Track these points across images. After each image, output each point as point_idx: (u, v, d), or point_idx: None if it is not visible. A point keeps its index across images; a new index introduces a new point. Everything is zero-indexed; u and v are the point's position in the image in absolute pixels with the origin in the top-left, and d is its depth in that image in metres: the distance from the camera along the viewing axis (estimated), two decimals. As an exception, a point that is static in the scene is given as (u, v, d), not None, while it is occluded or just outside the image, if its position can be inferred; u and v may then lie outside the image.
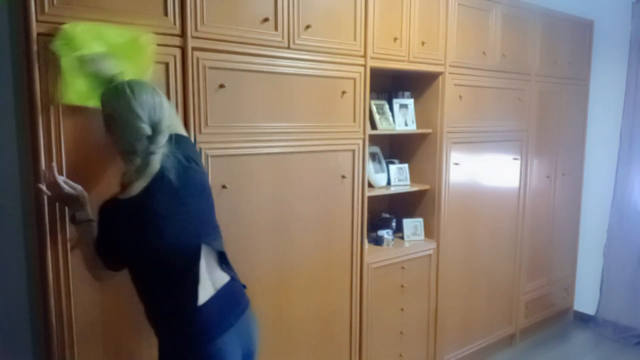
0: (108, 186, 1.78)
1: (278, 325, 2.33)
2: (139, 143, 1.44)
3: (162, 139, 1.47)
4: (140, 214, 1.46)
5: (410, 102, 2.95)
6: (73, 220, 1.63)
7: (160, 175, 1.49)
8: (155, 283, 1.53)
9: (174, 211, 1.50)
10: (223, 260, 1.64)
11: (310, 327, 2.45)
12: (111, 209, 1.48)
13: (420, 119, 2.99)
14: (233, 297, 1.63)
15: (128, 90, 1.44)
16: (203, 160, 2.00)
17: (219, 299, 1.57)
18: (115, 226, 1.49)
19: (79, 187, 1.63)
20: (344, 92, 2.42)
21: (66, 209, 1.67)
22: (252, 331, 1.68)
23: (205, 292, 1.54)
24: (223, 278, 1.61)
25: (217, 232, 1.67)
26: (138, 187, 1.46)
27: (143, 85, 1.49)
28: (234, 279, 1.66)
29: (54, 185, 1.58)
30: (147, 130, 1.43)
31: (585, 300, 4.14)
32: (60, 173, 1.67)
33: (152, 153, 1.45)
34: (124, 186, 1.49)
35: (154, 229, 1.47)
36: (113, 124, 1.47)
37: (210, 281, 1.57)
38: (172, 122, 1.54)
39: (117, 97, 1.45)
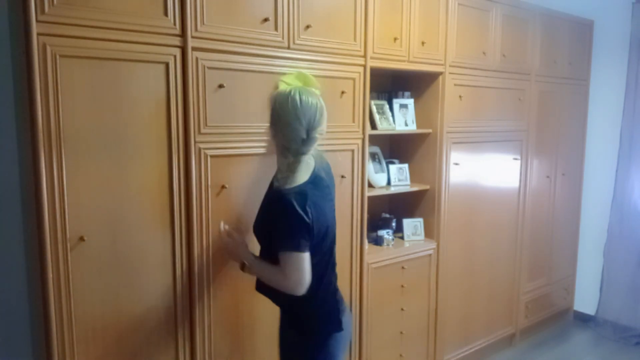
0: (108, 185, 1.79)
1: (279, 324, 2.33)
2: (294, 143, 1.67)
3: (314, 143, 1.70)
4: (317, 198, 1.70)
5: (410, 102, 2.96)
6: (243, 267, 1.84)
7: (317, 171, 1.76)
8: (315, 270, 1.71)
9: (326, 204, 1.77)
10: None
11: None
12: (300, 197, 1.64)
13: (420, 119, 2.99)
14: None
15: (297, 97, 1.66)
16: (202, 160, 2.00)
17: (337, 288, 1.89)
18: (305, 210, 1.64)
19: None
20: (343, 92, 2.42)
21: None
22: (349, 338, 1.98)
23: (336, 275, 1.87)
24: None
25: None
26: (299, 179, 1.68)
27: (310, 95, 1.70)
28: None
29: (231, 236, 1.89)
30: (303, 134, 1.66)
31: (585, 300, 4.14)
32: (60, 172, 1.68)
33: (303, 153, 1.68)
34: (283, 179, 1.69)
35: (326, 213, 1.74)
36: (276, 121, 1.69)
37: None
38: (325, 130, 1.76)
39: (286, 100, 1.66)
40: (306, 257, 1.64)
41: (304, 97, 1.67)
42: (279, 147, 1.72)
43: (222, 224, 1.94)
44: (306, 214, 1.62)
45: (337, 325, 1.80)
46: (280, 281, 1.70)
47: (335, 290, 1.86)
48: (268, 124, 1.75)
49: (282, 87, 1.73)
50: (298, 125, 1.65)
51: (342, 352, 1.86)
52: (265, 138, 1.88)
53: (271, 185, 1.84)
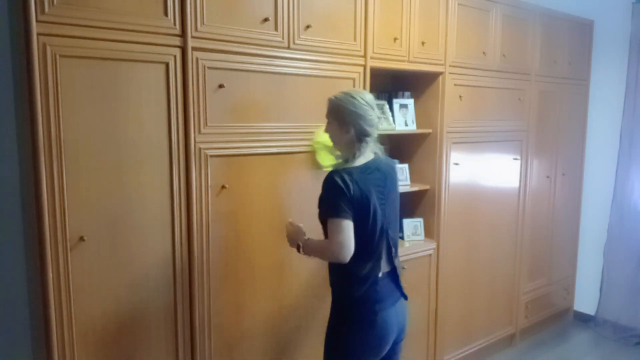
0: (108, 185, 1.79)
1: (278, 324, 2.33)
2: (372, 129, 1.87)
3: (376, 132, 1.91)
4: (362, 180, 1.82)
5: (410, 102, 2.95)
6: (299, 249, 1.91)
7: (371, 164, 1.90)
8: (357, 248, 1.77)
9: (373, 189, 1.85)
10: (391, 252, 1.94)
11: (310, 326, 2.45)
12: (344, 173, 1.79)
13: (420, 119, 2.99)
14: (393, 284, 1.95)
15: (359, 96, 1.88)
16: (202, 160, 2.00)
17: (386, 280, 1.92)
18: (350, 186, 1.77)
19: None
20: (343, 92, 2.42)
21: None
22: (404, 319, 1.99)
23: (381, 269, 1.89)
24: (389, 265, 1.94)
25: (396, 228, 2.02)
26: (351, 165, 1.84)
27: (367, 93, 1.93)
28: (395, 270, 1.97)
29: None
30: (375, 118, 1.88)
31: (585, 300, 4.14)
32: (60, 172, 1.68)
33: (366, 142, 1.88)
34: (338, 164, 1.90)
35: (369, 195, 1.81)
36: (352, 120, 1.84)
37: (384, 262, 1.91)
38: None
39: (352, 99, 1.86)
40: (348, 224, 1.75)
41: (366, 95, 1.90)
42: (346, 138, 1.87)
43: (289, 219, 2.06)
44: (347, 187, 1.76)
45: (367, 320, 1.84)
46: (326, 249, 1.80)
47: (375, 282, 1.87)
48: (334, 114, 1.88)
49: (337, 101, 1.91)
50: (370, 112, 1.86)
51: (372, 352, 1.88)
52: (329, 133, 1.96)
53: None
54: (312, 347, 2.48)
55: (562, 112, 3.78)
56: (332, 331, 1.93)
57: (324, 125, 1.98)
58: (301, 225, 1.95)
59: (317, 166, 2.25)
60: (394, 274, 1.96)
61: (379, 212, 1.86)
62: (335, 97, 1.90)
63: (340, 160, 1.93)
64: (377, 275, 1.88)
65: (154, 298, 1.95)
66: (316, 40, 2.28)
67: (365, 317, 1.84)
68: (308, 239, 1.91)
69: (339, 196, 1.75)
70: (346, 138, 1.87)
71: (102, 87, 1.75)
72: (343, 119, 1.86)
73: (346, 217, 1.75)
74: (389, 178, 1.96)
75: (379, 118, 1.92)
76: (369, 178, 1.85)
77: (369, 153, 1.92)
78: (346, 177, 1.77)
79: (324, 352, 1.96)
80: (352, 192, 1.76)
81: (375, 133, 1.91)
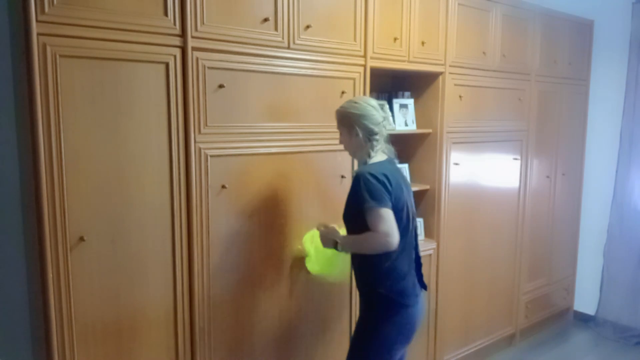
0: (108, 185, 1.79)
1: (278, 324, 2.33)
2: (378, 127, 1.95)
3: (385, 131, 1.99)
4: (391, 173, 1.92)
5: (410, 102, 2.95)
6: (336, 246, 1.98)
7: (391, 158, 2.03)
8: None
9: (403, 181, 1.98)
10: (417, 243, 2.07)
11: (310, 326, 2.45)
12: (375, 168, 1.89)
13: (420, 119, 2.99)
14: (418, 275, 2.06)
15: (362, 100, 1.99)
16: (202, 160, 2.00)
17: (412, 276, 2.00)
18: (386, 180, 1.87)
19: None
20: (343, 92, 2.42)
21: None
22: (423, 314, 2.08)
23: (408, 264, 1.99)
24: (415, 256, 2.05)
25: (416, 224, 2.08)
26: (375, 160, 1.95)
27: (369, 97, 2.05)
28: (419, 260, 2.09)
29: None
30: (380, 117, 1.96)
31: (585, 300, 4.14)
32: (60, 172, 1.68)
33: (376, 140, 1.96)
34: (362, 163, 2.01)
35: (400, 188, 1.92)
36: (357, 122, 1.94)
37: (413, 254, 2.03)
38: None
39: (355, 104, 1.97)
40: (390, 213, 1.81)
41: (369, 99, 2.01)
42: (356, 141, 1.96)
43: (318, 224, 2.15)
44: (386, 177, 1.85)
45: (408, 312, 1.95)
46: (370, 240, 1.83)
47: (412, 275, 1.99)
48: (342, 121, 1.99)
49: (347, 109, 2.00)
50: (374, 112, 1.95)
51: (405, 341, 2.01)
52: (339, 141, 2.06)
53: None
54: (313, 348, 2.49)
55: (562, 112, 3.78)
56: (369, 325, 1.98)
57: (313, 230, 2.13)
58: (335, 225, 2.04)
59: (307, 269, 2.29)
60: (418, 264, 2.08)
61: (408, 205, 1.97)
62: (341, 107, 2.01)
63: (361, 164, 2.01)
64: (413, 268, 2.01)
65: (154, 298, 1.95)
66: (316, 40, 2.28)
67: (406, 309, 1.94)
68: (344, 235, 1.98)
69: (378, 187, 1.82)
70: (356, 141, 1.97)
71: (102, 87, 1.75)
72: (349, 124, 1.96)
73: (388, 206, 1.81)
74: (404, 175, 2.07)
75: (384, 118, 1.98)
76: (398, 171, 1.99)
77: (380, 153, 1.99)
78: (380, 171, 1.86)
79: (356, 345, 2.02)
80: (390, 184, 1.86)
81: (382, 131, 1.98)
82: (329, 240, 2.01)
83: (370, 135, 1.95)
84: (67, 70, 1.66)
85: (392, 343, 1.97)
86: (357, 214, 1.87)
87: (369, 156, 1.96)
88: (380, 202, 1.80)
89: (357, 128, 1.94)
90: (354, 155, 2.06)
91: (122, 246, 1.85)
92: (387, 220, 1.79)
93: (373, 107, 1.97)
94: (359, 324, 2.05)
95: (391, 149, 2.07)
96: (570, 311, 4.21)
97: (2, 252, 1.90)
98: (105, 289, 1.83)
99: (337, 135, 2.41)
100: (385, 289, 1.93)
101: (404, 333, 1.98)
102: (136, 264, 1.89)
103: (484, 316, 3.39)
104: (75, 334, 1.77)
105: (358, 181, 1.86)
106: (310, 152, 2.34)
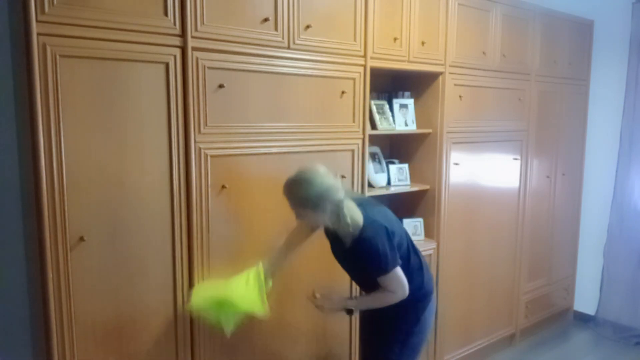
0: (108, 185, 1.79)
1: (278, 324, 2.33)
2: (340, 192, 1.88)
3: (342, 191, 1.91)
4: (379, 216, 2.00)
5: (410, 102, 2.95)
6: (351, 312, 2.07)
7: (362, 202, 2.04)
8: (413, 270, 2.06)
9: (389, 217, 2.05)
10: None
11: (310, 327, 2.45)
12: (373, 227, 1.93)
13: (420, 119, 2.99)
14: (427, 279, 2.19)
15: (311, 175, 1.89)
16: (202, 160, 2.00)
17: (427, 280, 2.16)
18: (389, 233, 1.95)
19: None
20: (343, 92, 2.42)
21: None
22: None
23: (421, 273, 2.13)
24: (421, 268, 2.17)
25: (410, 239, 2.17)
26: (357, 219, 1.92)
27: (310, 169, 1.93)
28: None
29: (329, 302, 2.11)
30: (338, 185, 1.90)
31: (585, 300, 4.14)
32: (60, 172, 1.68)
33: (344, 199, 1.90)
34: (347, 229, 1.93)
35: (391, 223, 2.01)
36: (321, 200, 1.84)
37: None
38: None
39: (307, 183, 1.86)
40: (398, 270, 1.93)
41: (315, 169, 1.92)
42: (325, 213, 1.87)
43: (314, 293, 2.14)
44: (386, 229, 1.92)
45: (415, 321, 2.09)
46: (387, 299, 1.96)
47: (419, 287, 2.09)
48: (303, 204, 1.88)
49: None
50: (328, 180, 1.88)
51: (420, 347, 2.15)
52: (306, 216, 1.96)
53: (329, 233, 2.06)
54: (313, 348, 2.49)
55: (562, 112, 3.78)
56: (397, 332, 2.09)
57: (205, 282, 2.01)
58: (335, 295, 2.12)
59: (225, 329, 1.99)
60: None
61: (402, 232, 2.06)
62: (291, 189, 1.90)
63: (348, 229, 1.94)
64: (423, 270, 2.13)
65: (154, 298, 1.95)
66: (316, 40, 2.28)
67: (430, 316, 2.14)
68: (354, 298, 2.06)
69: (385, 251, 1.89)
70: (327, 215, 1.88)
71: (102, 87, 1.75)
72: (313, 205, 1.86)
73: (397, 264, 1.92)
74: (377, 203, 2.12)
75: (335, 177, 1.95)
76: (378, 209, 2.02)
77: (351, 204, 1.95)
78: (377, 226, 1.91)
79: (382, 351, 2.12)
80: (393, 232, 1.94)
81: (342, 192, 1.90)
82: (338, 309, 2.07)
83: (338, 203, 1.86)
84: (67, 70, 1.66)
85: (420, 345, 2.13)
86: (369, 275, 1.97)
87: (346, 217, 1.89)
88: (391, 264, 1.90)
89: (323, 204, 1.84)
90: (331, 225, 1.94)
91: (122, 246, 1.85)
92: (399, 280, 1.92)
93: (323, 175, 1.88)
94: (385, 331, 2.11)
95: (348, 189, 2.07)
96: (570, 311, 4.21)
97: (2, 252, 1.90)
98: (105, 289, 1.83)
99: (338, 135, 2.43)
100: (416, 303, 2.07)
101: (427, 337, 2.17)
102: (136, 264, 1.89)
103: (484, 316, 3.39)
104: (75, 334, 1.77)
105: (363, 246, 1.90)
106: (310, 152, 2.34)
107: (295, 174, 1.91)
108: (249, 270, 1.99)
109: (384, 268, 1.90)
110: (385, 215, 2.03)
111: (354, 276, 2.19)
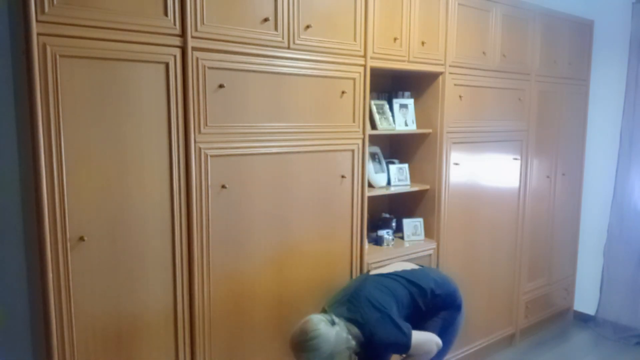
0: (108, 185, 1.79)
1: (278, 324, 2.33)
2: (343, 340, 2.01)
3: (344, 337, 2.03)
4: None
5: (410, 102, 2.95)
6: None
7: (349, 298, 2.19)
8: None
9: (387, 285, 2.27)
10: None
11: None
12: (374, 321, 2.09)
13: (420, 119, 2.99)
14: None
15: (317, 342, 1.95)
16: (202, 160, 2.00)
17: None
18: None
19: None
20: (343, 92, 2.42)
21: None
22: None
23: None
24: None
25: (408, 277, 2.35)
26: (360, 334, 2.07)
27: (309, 323, 2.00)
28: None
29: None
30: (338, 330, 2.02)
31: (585, 300, 4.14)
32: (60, 172, 1.68)
33: (349, 348, 2.04)
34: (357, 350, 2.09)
35: (388, 288, 2.25)
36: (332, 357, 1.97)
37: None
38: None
39: (317, 341, 1.94)
40: (413, 334, 2.09)
41: (320, 331, 1.96)
42: (340, 353, 2.00)
43: None
44: (385, 317, 2.07)
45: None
46: (428, 357, 2.18)
47: (444, 305, 2.37)
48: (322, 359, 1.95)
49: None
50: (333, 335, 1.97)
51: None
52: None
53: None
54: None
55: (562, 112, 3.78)
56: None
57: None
58: None
59: None
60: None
61: (395, 284, 2.25)
62: (301, 356, 1.96)
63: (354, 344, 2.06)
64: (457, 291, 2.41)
65: (154, 298, 1.95)
66: (316, 40, 2.28)
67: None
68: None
69: (394, 336, 2.06)
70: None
71: (102, 87, 1.75)
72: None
73: (410, 333, 2.08)
74: (369, 278, 2.31)
75: (333, 323, 2.00)
76: (365, 306, 2.11)
77: (350, 330, 2.04)
78: (374, 325, 2.05)
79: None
80: (386, 311, 2.10)
81: (345, 334, 2.01)
82: None
83: (347, 349, 2.01)
84: (67, 70, 1.66)
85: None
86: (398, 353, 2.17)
87: (352, 348, 2.03)
88: (407, 340, 2.06)
89: (337, 357, 1.97)
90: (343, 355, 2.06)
91: (122, 246, 1.85)
92: (421, 341, 2.12)
93: (325, 333, 1.95)
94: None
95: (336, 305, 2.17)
96: (570, 311, 4.21)
97: (2, 252, 1.90)
98: (105, 289, 1.83)
99: (338, 135, 2.43)
100: None
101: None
102: (136, 264, 1.89)
103: (483, 316, 3.39)
104: (75, 334, 1.77)
105: (379, 346, 2.05)
106: (310, 152, 2.34)
107: (299, 339, 1.96)
108: None
109: (406, 346, 2.07)
110: (375, 299, 2.13)
111: None
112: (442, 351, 2.27)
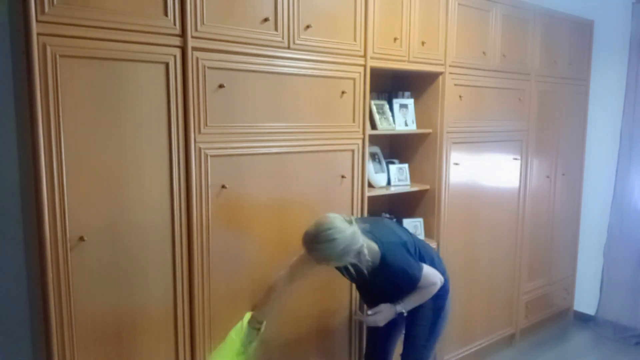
0: (108, 185, 1.79)
1: (278, 323, 2.33)
2: (359, 239, 1.94)
3: (358, 230, 1.97)
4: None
5: (410, 102, 2.95)
6: (401, 315, 2.16)
7: (367, 234, 2.06)
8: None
9: (397, 232, 2.22)
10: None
11: (311, 326, 2.45)
12: (394, 246, 2.09)
13: (420, 119, 2.99)
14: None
15: (332, 233, 1.89)
16: (202, 160, 2.00)
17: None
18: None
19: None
20: (343, 92, 2.42)
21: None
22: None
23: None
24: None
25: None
26: (372, 247, 2.02)
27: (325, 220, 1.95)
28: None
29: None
30: (354, 228, 1.97)
31: (585, 300, 4.14)
32: (60, 172, 1.68)
33: (363, 246, 1.97)
34: (367, 260, 2.02)
35: (404, 234, 2.25)
36: (339, 253, 1.88)
37: None
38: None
39: (334, 235, 1.88)
40: (423, 265, 2.11)
41: (335, 225, 1.90)
42: (348, 259, 1.93)
43: (366, 312, 2.26)
44: (403, 248, 2.08)
45: (439, 308, 2.25)
46: (431, 291, 2.14)
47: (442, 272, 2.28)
48: (327, 259, 1.92)
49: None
50: (349, 231, 1.90)
51: (442, 331, 2.32)
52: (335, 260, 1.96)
53: (356, 269, 2.03)
54: (313, 346, 2.49)
55: (562, 112, 3.78)
56: (429, 324, 2.25)
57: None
58: (381, 306, 2.15)
59: None
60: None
61: (408, 235, 2.23)
62: (316, 248, 1.90)
63: (369, 262, 2.02)
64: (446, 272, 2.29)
65: (154, 298, 1.95)
66: (316, 40, 2.28)
67: (449, 303, 2.31)
68: (396, 304, 2.13)
69: (408, 264, 2.07)
70: (350, 259, 1.93)
71: (102, 87, 1.75)
72: (338, 258, 1.91)
73: (421, 267, 2.09)
74: (388, 221, 2.35)
75: (350, 222, 1.95)
76: (383, 233, 2.10)
77: (366, 241, 1.99)
78: (393, 250, 2.05)
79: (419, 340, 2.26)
80: (404, 245, 2.10)
81: (360, 236, 1.94)
82: (390, 317, 2.16)
83: (360, 249, 1.94)
84: (67, 70, 1.67)
85: (443, 330, 2.31)
86: (402, 289, 2.13)
87: (367, 256, 1.98)
88: (419, 270, 2.07)
89: (346, 257, 1.91)
90: (352, 265, 2.00)
91: (122, 246, 1.85)
92: (430, 274, 2.11)
93: (342, 228, 1.89)
94: (421, 325, 2.24)
95: (357, 220, 2.08)
96: (570, 311, 4.21)
97: (2, 252, 1.91)
98: (105, 289, 1.83)
99: (337, 135, 2.43)
100: (442, 295, 2.23)
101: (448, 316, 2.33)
102: (136, 264, 1.89)
103: (483, 316, 3.39)
104: (75, 334, 1.77)
105: (393, 272, 2.04)
106: (310, 152, 2.34)
107: (314, 231, 1.90)
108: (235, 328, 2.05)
109: (417, 277, 2.07)
110: (392, 230, 2.17)
111: (384, 297, 2.18)
112: (433, 339, 2.28)
